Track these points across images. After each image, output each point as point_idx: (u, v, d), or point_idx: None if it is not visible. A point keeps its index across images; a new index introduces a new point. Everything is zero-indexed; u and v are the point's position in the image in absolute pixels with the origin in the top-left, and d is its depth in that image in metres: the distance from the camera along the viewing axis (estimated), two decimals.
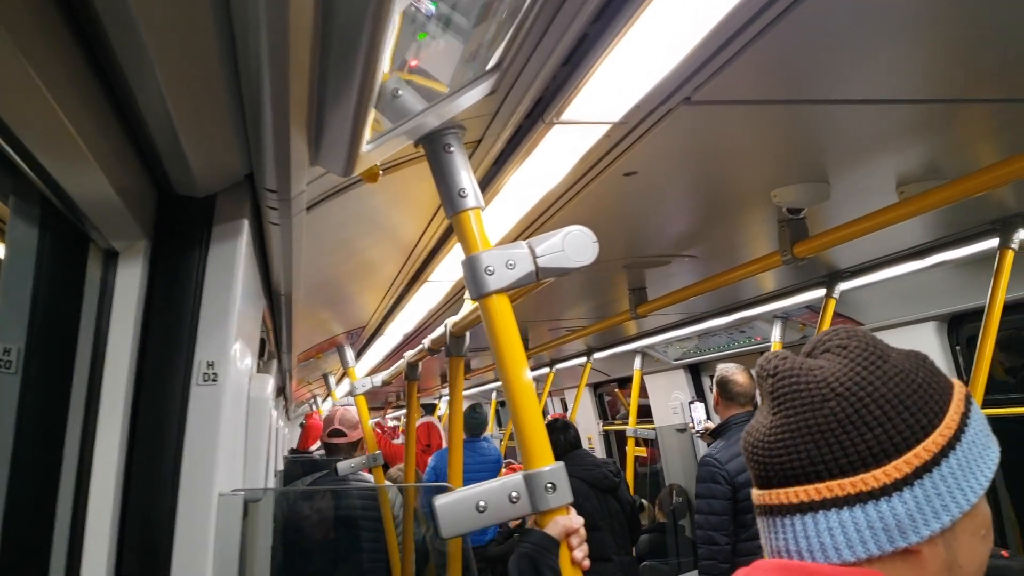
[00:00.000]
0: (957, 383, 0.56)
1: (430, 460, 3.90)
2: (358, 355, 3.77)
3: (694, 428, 3.75)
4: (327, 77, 0.64)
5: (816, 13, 0.84)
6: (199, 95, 0.67)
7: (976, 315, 2.04)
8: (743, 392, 2.38)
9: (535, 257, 0.89)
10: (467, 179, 0.92)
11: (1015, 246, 1.68)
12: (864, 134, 1.26)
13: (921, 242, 1.97)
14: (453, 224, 0.94)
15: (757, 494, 0.55)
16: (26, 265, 0.79)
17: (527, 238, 0.89)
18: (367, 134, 0.75)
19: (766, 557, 0.55)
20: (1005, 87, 1.09)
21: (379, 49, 0.59)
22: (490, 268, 0.89)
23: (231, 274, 0.88)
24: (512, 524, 3.30)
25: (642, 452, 4.38)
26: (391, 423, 7.60)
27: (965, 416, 0.53)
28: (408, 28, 0.68)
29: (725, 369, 2.43)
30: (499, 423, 6.66)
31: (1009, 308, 1.81)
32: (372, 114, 0.73)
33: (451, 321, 1.64)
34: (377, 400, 8.06)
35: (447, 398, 6.43)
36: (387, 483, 2.88)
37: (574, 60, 0.90)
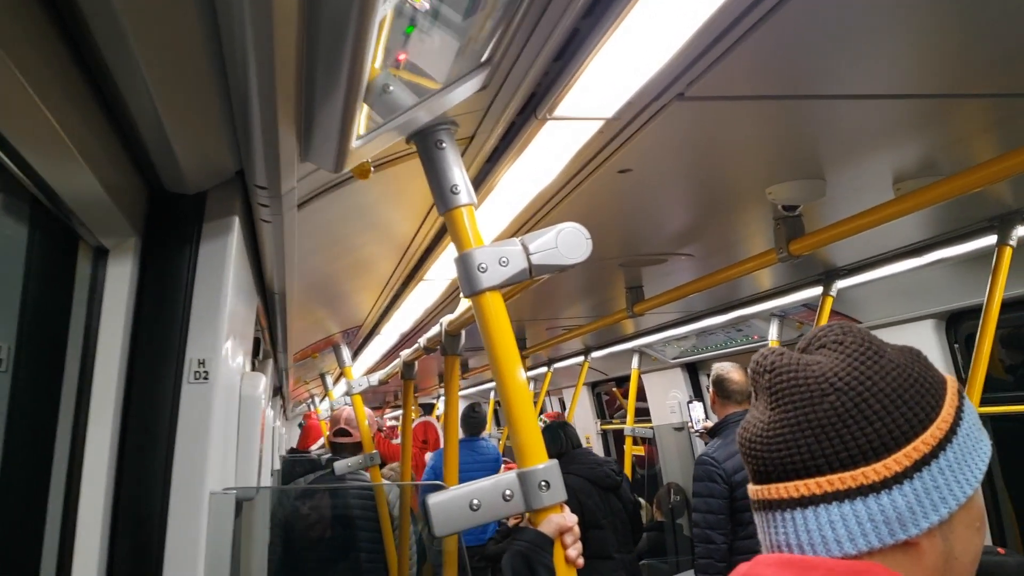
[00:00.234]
0: (949, 378, 0.56)
1: (429, 460, 3.90)
2: (355, 354, 3.77)
3: (693, 427, 3.75)
4: (315, 72, 0.64)
5: (809, 7, 0.83)
6: (186, 92, 0.66)
7: (974, 313, 2.04)
8: (739, 390, 2.37)
9: (528, 254, 0.89)
10: (459, 175, 0.92)
11: (1013, 243, 1.67)
12: (860, 130, 1.26)
13: (918, 239, 1.97)
14: (446, 221, 0.93)
15: (754, 489, 0.55)
16: (15, 263, 0.79)
17: (521, 236, 0.88)
18: (357, 129, 0.75)
19: (764, 552, 0.55)
20: (1002, 82, 1.08)
21: (366, 43, 0.58)
22: (483, 265, 0.88)
23: (222, 271, 0.88)
24: (512, 522, 3.30)
25: (640, 451, 4.38)
26: (389, 423, 7.60)
27: (959, 410, 0.54)
28: (398, 22, 0.68)
29: (721, 368, 2.43)
30: (498, 422, 6.66)
31: (1007, 306, 1.81)
32: (362, 109, 0.73)
33: (446, 320, 1.64)
34: (375, 400, 8.06)
35: (444, 397, 6.38)
36: (384, 482, 2.88)
37: (566, 55, 0.90)
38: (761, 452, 0.53)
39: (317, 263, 1.80)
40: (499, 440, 5.47)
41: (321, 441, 4.86)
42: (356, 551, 2.45)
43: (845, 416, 0.51)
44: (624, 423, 4.17)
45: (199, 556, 0.82)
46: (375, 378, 2.68)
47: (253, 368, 1.71)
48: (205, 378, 0.84)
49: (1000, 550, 1.83)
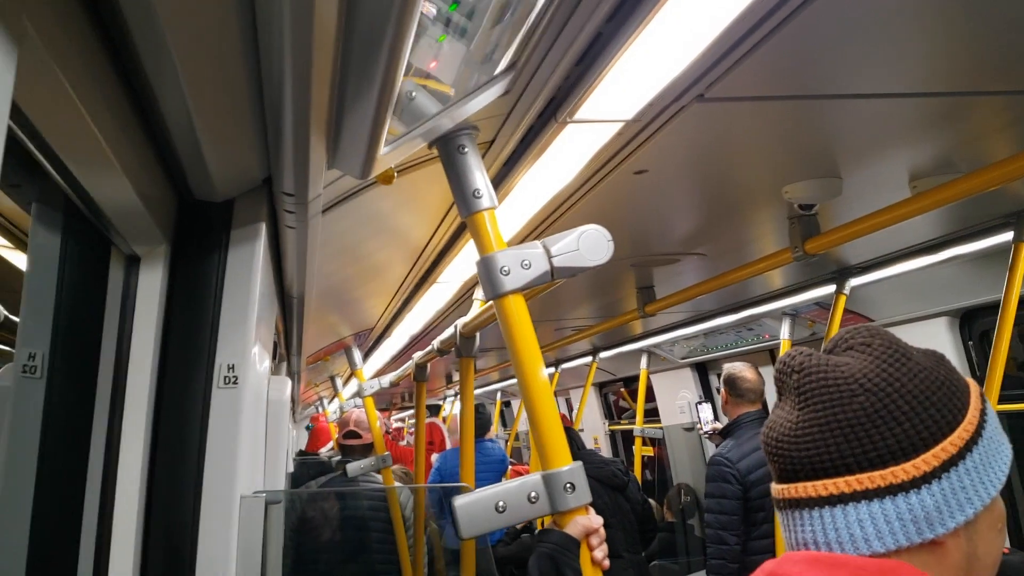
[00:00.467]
0: (971, 381, 0.57)
1: (434, 462, 3.90)
2: (365, 357, 3.78)
3: (702, 429, 3.74)
4: (348, 81, 0.65)
5: (828, 8, 0.84)
6: (221, 101, 0.67)
7: (988, 310, 2.03)
8: (752, 389, 2.37)
9: (550, 257, 0.89)
10: (481, 180, 0.92)
11: None
12: (876, 128, 1.26)
13: (933, 237, 1.96)
14: (468, 225, 0.94)
15: (779, 488, 0.56)
16: (49, 272, 0.80)
17: (537, 237, 0.89)
18: (385, 137, 0.76)
19: (787, 550, 0.56)
20: (1018, 79, 1.08)
21: (400, 53, 0.59)
22: (505, 268, 0.89)
23: (250, 277, 0.89)
24: (518, 525, 3.30)
25: (649, 451, 4.37)
26: (395, 424, 7.60)
27: (983, 413, 0.55)
28: (424, 31, 0.69)
29: (733, 367, 2.43)
30: (504, 424, 6.66)
31: None
32: (390, 118, 0.74)
33: (461, 322, 1.64)
34: (382, 402, 8.07)
35: (451, 399, 6.43)
36: (397, 484, 2.88)
37: (588, 59, 0.90)
38: (788, 451, 0.54)
39: (334, 268, 1.82)
40: (506, 442, 5.47)
41: (331, 444, 4.87)
42: (369, 553, 2.46)
43: (875, 416, 0.51)
44: (632, 424, 4.17)
45: (231, 559, 0.83)
46: (386, 380, 2.69)
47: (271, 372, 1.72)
48: (235, 383, 0.85)
49: (1004, 549, 1.85)
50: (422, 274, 2.10)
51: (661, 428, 4.21)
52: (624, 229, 1.80)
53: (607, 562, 0.87)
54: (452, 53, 0.77)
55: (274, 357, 1.85)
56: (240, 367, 0.86)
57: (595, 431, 5.08)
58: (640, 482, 4.08)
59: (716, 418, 3.71)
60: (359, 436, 2.78)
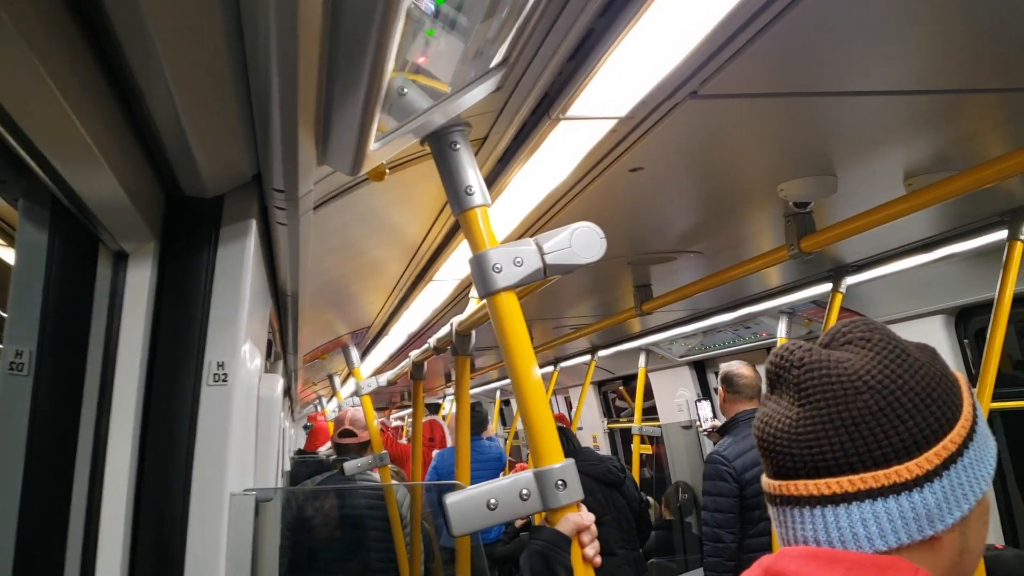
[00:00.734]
0: (960, 375, 0.57)
1: (432, 460, 3.91)
2: (363, 355, 3.78)
3: (701, 427, 3.74)
4: (335, 76, 0.64)
5: (820, 5, 0.83)
6: (208, 96, 0.67)
7: (984, 308, 2.03)
8: (749, 385, 2.37)
9: (543, 254, 0.89)
10: (474, 176, 0.92)
11: None
12: (871, 126, 1.25)
13: (929, 235, 1.96)
14: (460, 222, 0.93)
15: (775, 484, 0.55)
16: (37, 268, 0.80)
17: (532, 235, 0.89)
18: (374, 133, 0.75)
19: (781, 545, 0.55)
20: (1014, 77, 1.08)
21: (387, 48, 0.59)
22: (498, 265, 0.89)
23: (240, 274, 0.89)
24: (518, 523, 3.31)
25: (647, 449, 4.38)
26: (395, 423, 7.61)
27: (974, 407, 0.55)
28: (414, 26, 0.68)
29: (730, 365, 2.43)
30: (503, 422, 6.66)
31: (1019, 300, 1.80)
32: (379, 113, 0.73)
33: (457, 320, 1.64)
34: (381, 400, 8.07)
35: (451, 397, 6.43)
36: (394, 482, 2.88)
37: (580, 55, 0.90)
38: (788, 448, 0.53)
39: (328, 265, 1.81)
40: (504, 440, 5.47)
41: (330, 443, 4.86)
42: (367, 551, 2.45)
43: (879, 415, 0.51)
44: (631, 422, 4.17)
45: (220, 557, 0.83)
46: (384, 379, 2.69)
47: (265, 370, 1.72)
48: (224, 380, 0.85)
49: (998, 546, 1.87)
50: (418, 272, 2.09)
51: (659, 426, 4.21)
52: (620, 227, 1.80)
53: (598, 559, 0.87)
54: (441, 48, 0.76)
55: (270, 355, 1.84)
56: (230, 365, 0.86)
57: (594, 429, 5.08)
58: (638, 480, 4.10)
59: (715, 416, 3.72)
60: (355, 435, 2.78)
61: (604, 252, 0.90)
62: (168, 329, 0.85)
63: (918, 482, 0.50)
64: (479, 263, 0.89)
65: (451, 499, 0.85)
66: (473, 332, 1.65)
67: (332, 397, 4.95)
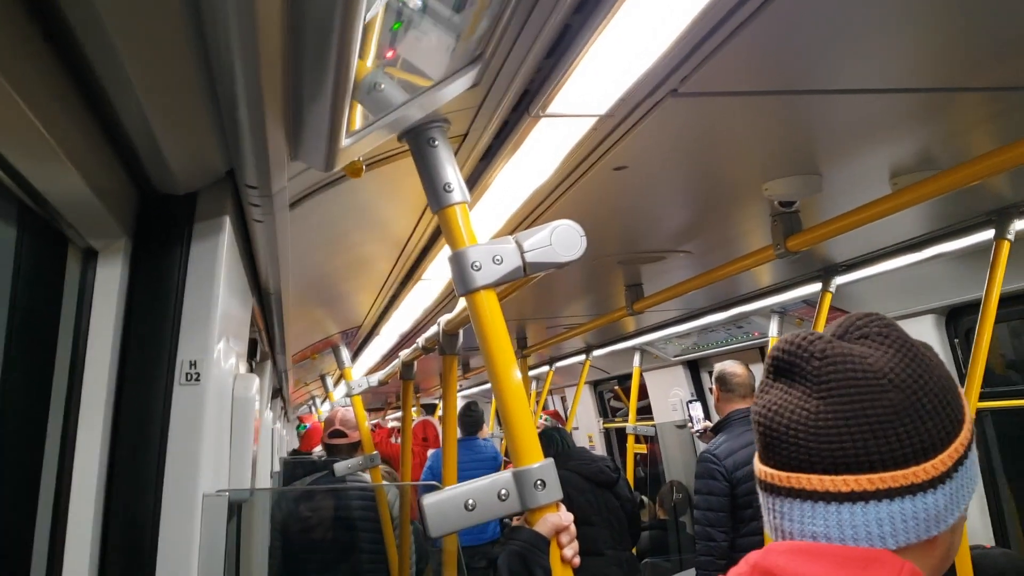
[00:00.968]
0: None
1: (427, 460, 3.90)
2: (354, 355, 3.77)
3: (693, 428, 3.74)
4: (302, 70, 0.64)
5: (800, 1, 0.82)
6: (173, 92, 0.66)
7: (974, 307, 2.02)
8: (743, 384, 2.37)
9: (522, 252, 0.88)
10: (452, 173, 0.91)
11: (1011, 237, 1.66)
12: (856, 124, 1.25)
13: (917, 234, 1.96)
14: (439, 220, 0.93)
15: (782, 475, 0.53)
16: (3, 266, 0.78)
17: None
18: (347, 128, 0.74)
19: (777, 537, 0.54)
20: (999, 75, 1.07)
21: (352, 40, 0.58)
22: (476, 264, 0.88)
23: (213, 272, 0.87)
24: (515, 522, 3.29)
25: (642, 449, 4.38)
26: (391, 423, 7.60)
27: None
28: (387, 18, 0.67)
29: (722, 365, 2.43)
30: (499, 422, 6.65)
31: (1006, 300, 1.80)
32: (352, 107, 0.73)
33: (444, 319, 1.63)
34: (377, 401, 8.06)
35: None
36: (384, 483, 2.87)
37: (558, 51, 0.89)
38: (804, 441, 0.52)
39: (314, 262, 1.80)
40: (500, 440, 5.47)
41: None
42: (357, 552, 2.44)
43: (903, 414, 0.50)
44: (626, 422, 4.17)
45: (192, 558, 0.82)
46: (375, 379, 2.67)
47: (251, 370, 1.71)
48: (197, 379, 0.84)
49: (986, 545, 1.88)
50: (406, 270, 2.08)
51: (654, 425, 4.21)
52: (608, 226, 1.79)
53: (577, 560, 0.86)
54: (416, 42, 0.75)
55: (255, 355, 1.83)
56: (203, 364, 0.85)
57: (589, 429, 5.07)
58: (632, 479, 4.09)
59: (707, 416, 3.71)
60: (345, 435, 2.76)
61: (585, 250, 0.89)
62: (139, 328, 0.84)
63: (932, 484, 0.50)
64: (458, 261, 0.88)
65: (428, 500, 0.84)
66: (461, 331, 1.64)
67: (325, 398, 4.94)
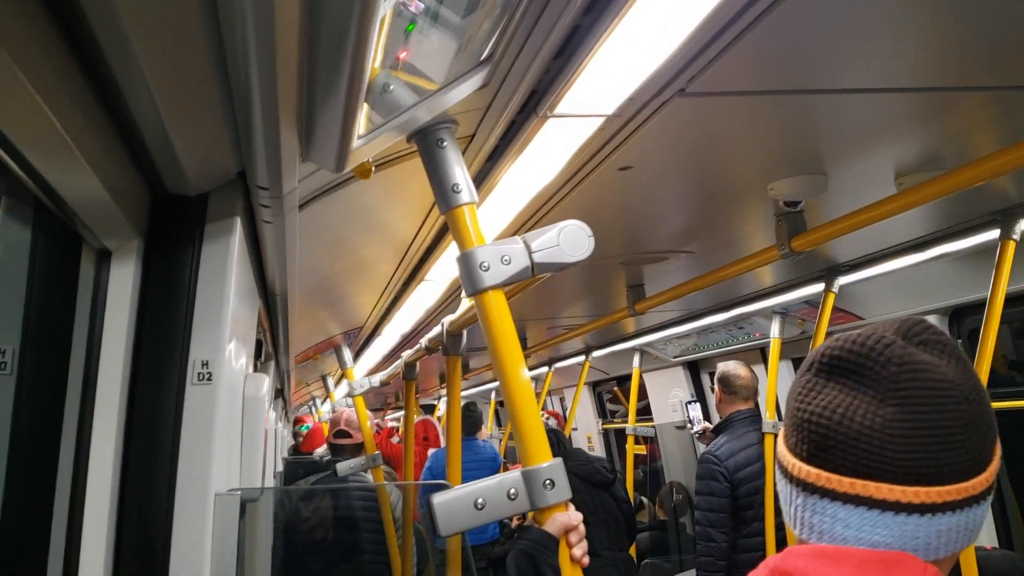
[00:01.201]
0: None
1: (427, 460, 3.91)
2: (356, 356, 3.77)
3: (692, 429, 3.74)
4: (316, 72, 0.64)
5: (808, 1, 0.83)
6: (188, 93, 0.66)
7: (978, 307, 2.03)
8: (745, 386, 2.37)
9: (530, 252, 0.89)
10: (460, 174, 0.92)
11: (1016, 237, 1.66)
12: (861, 124, 1.25)
13: (921, 234, 1.96)
14: (447, 220, 0.93)
15: (843, 481, 0.52)
16: (19, 266, 0.79)
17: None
18: (358, 129, 0.75)
19: (807, 539, 0.53)
20: (1004, 75, 1.08)
21: (367, 43, 0.58)
22: (485, 264, 0.88)
23: (224, 273, 0.88)
24: (515, 523, 3.30)
25: (641, 450, 4.38)
26: (390, 423, 7.60)
27: None
28: (398, 21, 0.68)
29: (726, 365, 2.43)
30: (499, 423, 6.66)
31: (1011, 300, 1.80)
32: (363, 109, 0.73)
33: (448, 320, 1.63)
34: (377, 401, 8.06)
35: (445, 398, 6.41)
36: (387, 483, 2.87)
37: (566, 52, 0.90)
38: (877, 448, 0.51)
39: (318, 264, 1.81)
40: (500, 441, 5.46)
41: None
42: (359, 552, 2.45)
43: (970, 427, 0.51)
44: (625, 423, 4.17)
45: (205, 557, 0.82)
46: (376, 379, 2.68)
47: (255, 370, 1.71)
48: (209, 379, 0.84)
49: (987, 547, 1.89)
50: (409, 271, 2.09)
51: (653, 427, 4.21)
52: (611, 226, 1.80)
53: (586, 559, 0.86)
54: (427, 44, 0.76)
55: (260, 355, 1.83)
56: (214, 364, 0.85)
57: (588, 430, 5.08)
58: (631, 480, 4.09)
59: (706, 418, 3.72)
60: (349, 436, 2.77)
61: (592, 251, 0.90)
62: (152, 328, 0.85)
63: (983, 496, 0.51)
64: (466, 261, 0.89)
65: (438, 499, 0.84)
66: (464, 332, 1.64)
67: (326, 399, 4.94)
